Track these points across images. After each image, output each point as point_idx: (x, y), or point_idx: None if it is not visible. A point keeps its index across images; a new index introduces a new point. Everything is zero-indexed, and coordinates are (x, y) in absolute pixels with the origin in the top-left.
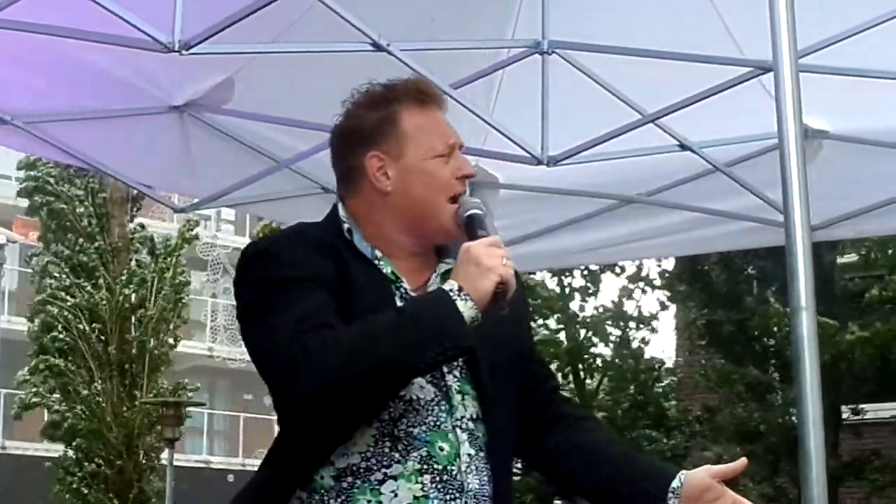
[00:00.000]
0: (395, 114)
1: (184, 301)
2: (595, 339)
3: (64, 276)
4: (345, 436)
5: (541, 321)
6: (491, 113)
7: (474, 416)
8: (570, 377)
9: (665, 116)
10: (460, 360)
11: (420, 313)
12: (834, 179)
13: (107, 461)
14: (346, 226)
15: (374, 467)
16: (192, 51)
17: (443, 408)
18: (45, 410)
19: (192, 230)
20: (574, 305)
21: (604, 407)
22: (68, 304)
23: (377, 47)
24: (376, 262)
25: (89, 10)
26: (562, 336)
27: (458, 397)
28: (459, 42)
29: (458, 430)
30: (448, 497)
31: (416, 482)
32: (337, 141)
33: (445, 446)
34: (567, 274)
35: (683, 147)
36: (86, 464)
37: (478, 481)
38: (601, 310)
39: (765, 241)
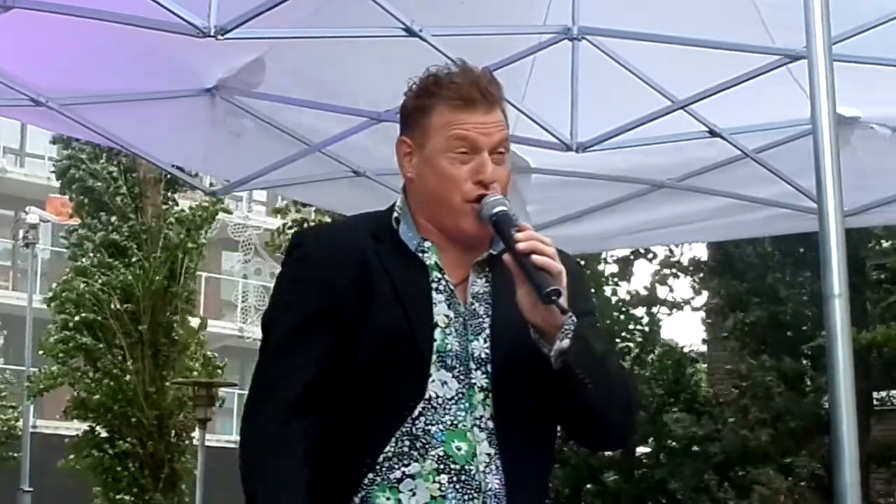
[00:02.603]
0: (430, 107)
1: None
2: (627, 326)
3: (96, 254)
4: (362, 435)
5: None
6: (522, 99)
7: (493, 415)
8: None
9: (695, 103)
10: (488, 355)
11: None
12: (864, 167)
13: (139, 441)
14: (395, 214)
15: (395, 466)
16: (228, 35)
17: (462, 406)
18: (71, 388)
19: (216, 205)
20: (606, 291)
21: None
22: (99, 282)
23: (409, 32)
24: (421, 253)
25: None
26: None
27: (480, 395)
28: (490, 28)
29: (476, 428)
30: (466, 497)
31: (434, 482)
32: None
33: (463, 446)
34: (600, 261)
35: (713, 134)
36: (119, 442)
37: (498, 481)
38: (633, 294)
39: (794, 227)
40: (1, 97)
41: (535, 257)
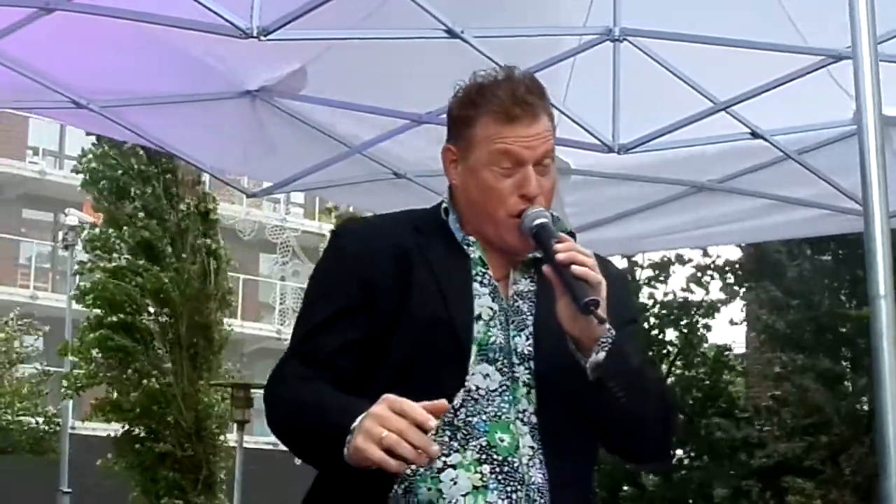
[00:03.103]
0: (474, 118)
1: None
2: (664, 328)
3: (128, 253)
4: None
5: None
6: (563, 100)
7: (539, 410)
8: None
9: (736, 105)
10: (531, 351)
11: (324, 434)
12: None
13: (177, 442)
14: (444, 205)
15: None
16: (270, 37)
17: (506, 398)
18: (108, 388)
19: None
20: (643, 295)
21: (675, 395)
22: (132, 283)
23: (451, 34)
24: (466, 246)
25: None
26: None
27: (523, 389)
28: (532, 29)
29: (519, 421)
30: (509, 489)
31: (476, 472)
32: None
33: (506, 437)
34: (637, 266)
35: (755, 135)
36: (157, 444)
37: (541, 475)
38: (670, 296)
39: (835, 228)
40: (42, 99)
41: (574, 268)
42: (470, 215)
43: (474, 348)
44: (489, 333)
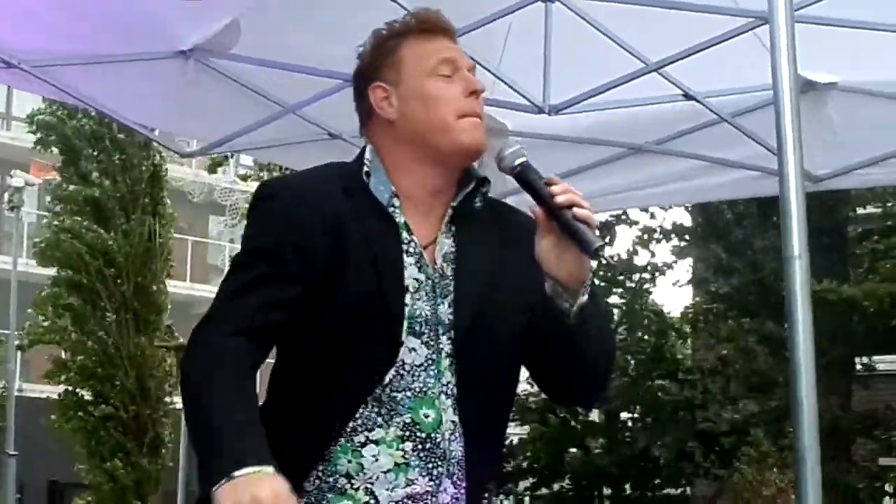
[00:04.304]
0: (395, 46)
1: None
2: (611, 290)
3: (79, 216)
4: (330, 401)
5: None
6: (498, 63)
7: (459, 382)
8: None
9: (668, 66)
10: (453, 321)
11: (210, 450)
12: (843, 131)
13: (122, 404)
14: (364, 168)
15: (359, 429)
16: None
17: (431, 373)
18: (58, 347)
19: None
20: None
21: (618, 359)
22: (83, 243)
23: None
24: (391, 209)
25: None
26: None
27: (446, 361)
28: None
29: (443, 395)
30: (430, 465)
31: (398, 449)
32: (354, 84)
33: (431, 413)
34: None
35: (687, 97)
36: (102, 405)
37: (461, 448)
38: (615, 259)
39: (773, 189)
40: None
41: (576, 211)
42: (416, 143)
43: (405, 322)
44: (415, 306)
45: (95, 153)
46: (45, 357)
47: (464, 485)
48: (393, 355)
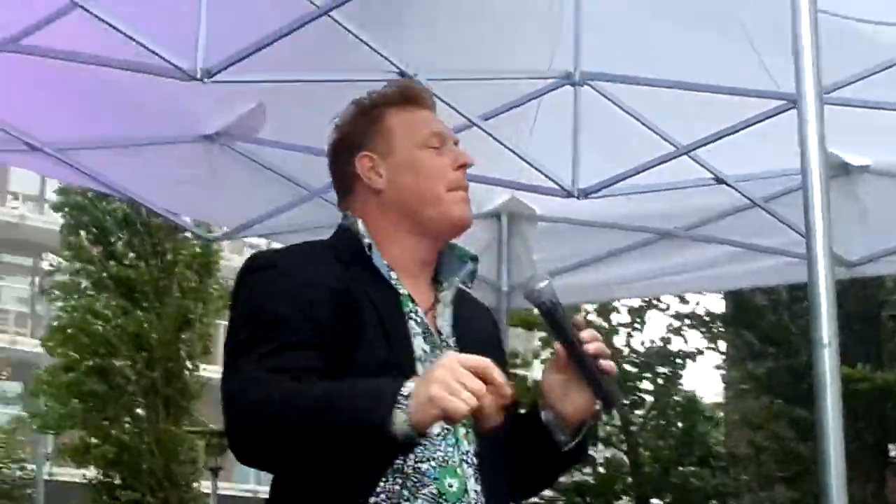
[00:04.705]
0: (380, 115)
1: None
2: (641, 375)
3: (107, 297)
4: (352, 474)
5: None
6: (528, 145)
7: (477, 451)
8: (615, 413)
9: (699, 148)
10: None
11: (356, 405)
12: (876, 214)
13: (149, 490)
14: (366, 241)
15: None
16: (214, 79)
17: (450, 442)
18: (81, 434)
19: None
20: (619, 341)
21: (650, 444)
22: (110, 325)
23: (403, 76)
24: (393, 281)
25: (117, 36)
26: None
27: (461, 430)
28: (488, 73)
29: (464, 464)
30: None
31: None
32: (332, 155)
33: (455, 483)
34: (613, 310)
35: (719, 181)
36: (125, 491)
37: None
38: (647, 345)
39: (804, 275)
40: None
41: (603, 363)
42: (405, 214)
43: None
44: None
45: (127, 236)
46: (70, 441)
47: None
48: None
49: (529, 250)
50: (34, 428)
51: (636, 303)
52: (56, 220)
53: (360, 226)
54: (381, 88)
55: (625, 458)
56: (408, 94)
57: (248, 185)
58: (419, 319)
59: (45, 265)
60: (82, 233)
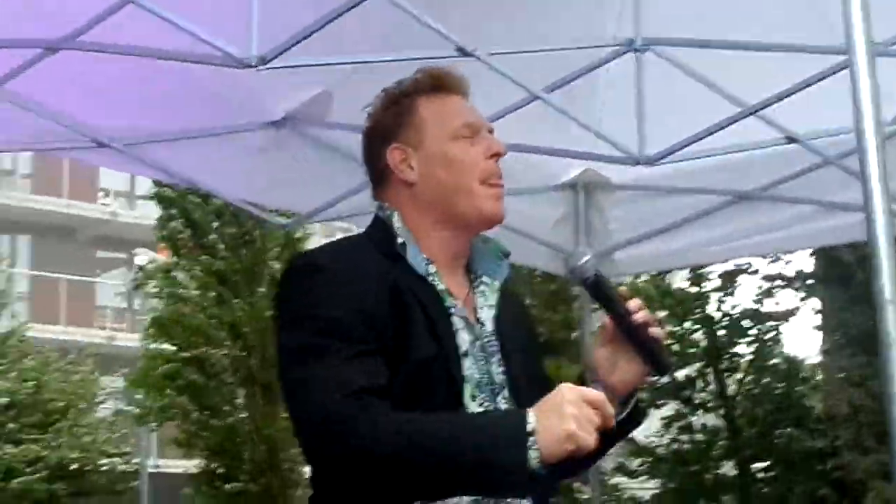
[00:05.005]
0: (411, 105)
1: None
2: (735, 340)
3: (203, 289)
4: None
5: (678, 324)
6: (594, 115)
7: None
8: (711, 378)
9: (767, 107)
10: (506, 380)
11: (486, 446)
12: None
13: (251, 478)
14: (400, 239)
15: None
16: (269, 65)
17: None
18: (179, 425)
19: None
20: (711, 308)
21: (746, 408)
22: (208, 316)
23: (463, 53)
24: (429, 277)
25: (172, 27)
26: (699, 336)
27: (503, 407)
28: (548, 45)
29: None
30: None
31: None
32: (364, 146)
33: None
34: (703, 278)
35: (790, 139)
36: (231, 482)
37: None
38: (739, 309)
39: None
40: (66, 140)
41: (652, 330)
42: (437, 206)
43: (465, 386)
44: (470, 369)
45: (217, 226)
46: (175, 433)
47: None
48: None
49: (606, 220)
50: (135, 421)
51: (726, 267)
52: (147, 215)
53: (396, 220)
54: (412, 75)
55: (722, 422)
56: (439, 81)
57: (320, 169)
58: (458, 314)
59: (138, 260)
60: (173, 224)
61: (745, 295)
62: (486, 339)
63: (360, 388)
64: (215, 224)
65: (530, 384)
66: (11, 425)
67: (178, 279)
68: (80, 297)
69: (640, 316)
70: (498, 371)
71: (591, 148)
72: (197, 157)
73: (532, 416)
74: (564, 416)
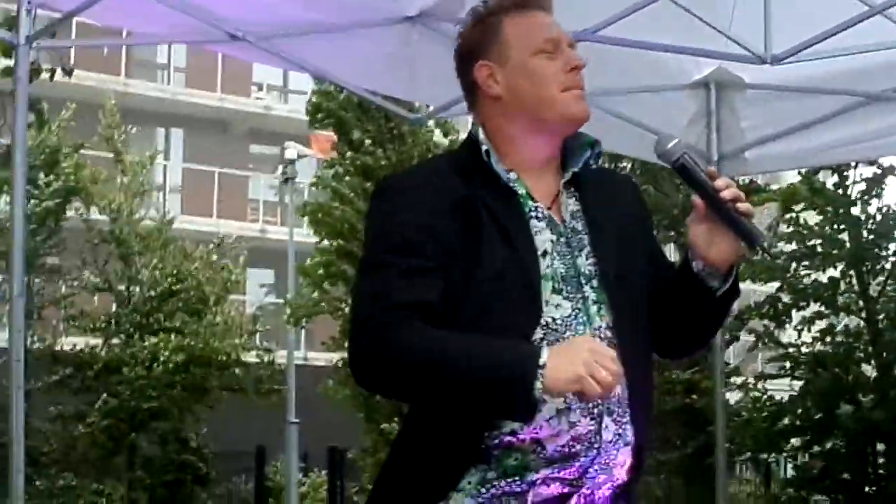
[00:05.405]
0: (496, 24)
1: None
2: (879, 243)
3: (350, 185)
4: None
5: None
6: (730, 16)
7: (610, 325)
8: (854, 280)
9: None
10: (596, 271)
11: (492, 370)
12: None
13: None
14: (484, 147)
15: None
16: None
17: (581, 320)
18: (331, 317)
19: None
20: (856, 210)
21: (888, 310)
22: (354, 209)
23: None
24: (511, 184)
25: None
26: (844, 237)
27: (594, 308)
28: None
29: (597, 339)
30: (591, 405)
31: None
32: (456, 64)
33: None
34: (847, 180)
35: None
36: None
37: (619, 385)
38: (886, 210)
39: None
40: (201, 33)
41: (740, 205)
42: (523, 117)
43: (544, 284)
44: (553, 266)
45: (363, 123)
46: (329, 326)
47: (625, 420)
48: (537, 318)
49: (738, 118)
50: (287, 316)
51: (875, 169)
52: (299, 109)
53: (480, 133)
54: None
55: (864, 325)
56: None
57: (451, 65)
58: (541, 214)
59: (288, 154)
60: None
61: (892, 197)
62: (570, 235)
63: (405, 303)
64: (360, 121)
65: (627, 270)
66: (158, 315)
67: (329, 174)
68: (233, 190)
69: (728, 193)
70: (587, 263)
71: (719, 47)
72: (330, 50)
73: (546, 352)
74: (576, 360)
